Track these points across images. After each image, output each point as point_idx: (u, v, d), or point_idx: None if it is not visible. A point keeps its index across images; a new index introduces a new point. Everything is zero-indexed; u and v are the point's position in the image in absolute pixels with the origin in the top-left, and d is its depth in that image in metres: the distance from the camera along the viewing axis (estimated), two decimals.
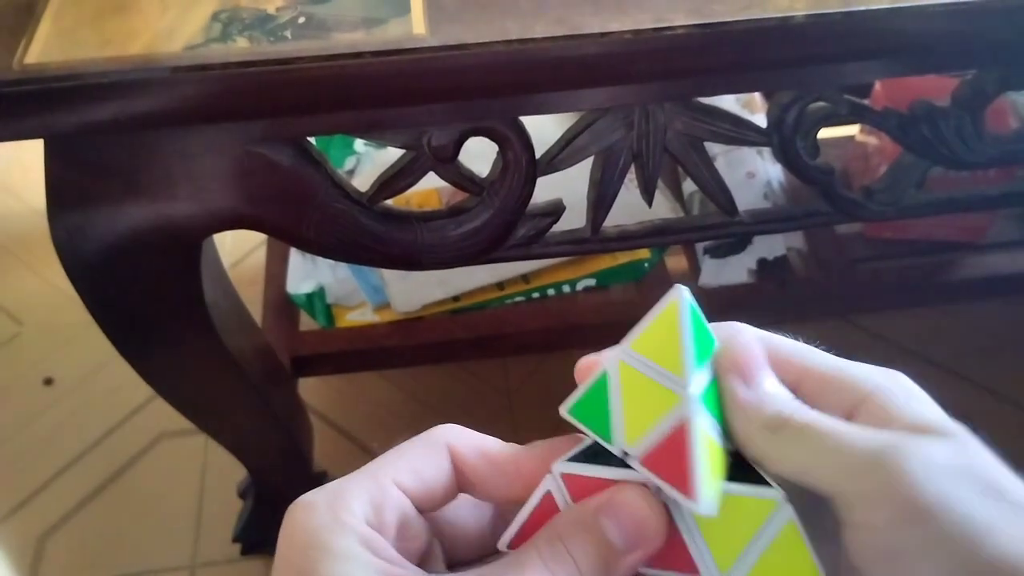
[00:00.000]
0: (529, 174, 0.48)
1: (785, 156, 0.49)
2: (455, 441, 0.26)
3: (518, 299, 0.86)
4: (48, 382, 1.03)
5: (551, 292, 0.87)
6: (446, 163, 0.46)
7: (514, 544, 0.26)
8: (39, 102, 0.40)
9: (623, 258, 0.86)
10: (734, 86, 0.55)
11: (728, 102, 0.90)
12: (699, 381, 0.24)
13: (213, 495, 0.93)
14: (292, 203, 0.47)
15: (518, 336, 0.83)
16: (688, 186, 0.92)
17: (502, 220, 0.49)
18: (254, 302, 0.77)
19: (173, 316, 0.55)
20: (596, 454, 0.25)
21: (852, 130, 0.91)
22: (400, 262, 0.50)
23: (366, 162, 0.93)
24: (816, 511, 0.24)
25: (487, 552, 0.27)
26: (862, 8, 0.42)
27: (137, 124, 0.42)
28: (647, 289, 0.87)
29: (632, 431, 0.24)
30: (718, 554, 0.24)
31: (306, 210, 0.47)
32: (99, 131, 0.42)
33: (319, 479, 0.88)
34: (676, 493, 0.23)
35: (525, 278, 0.86)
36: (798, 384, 0.26)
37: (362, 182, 0.48)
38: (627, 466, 0.25)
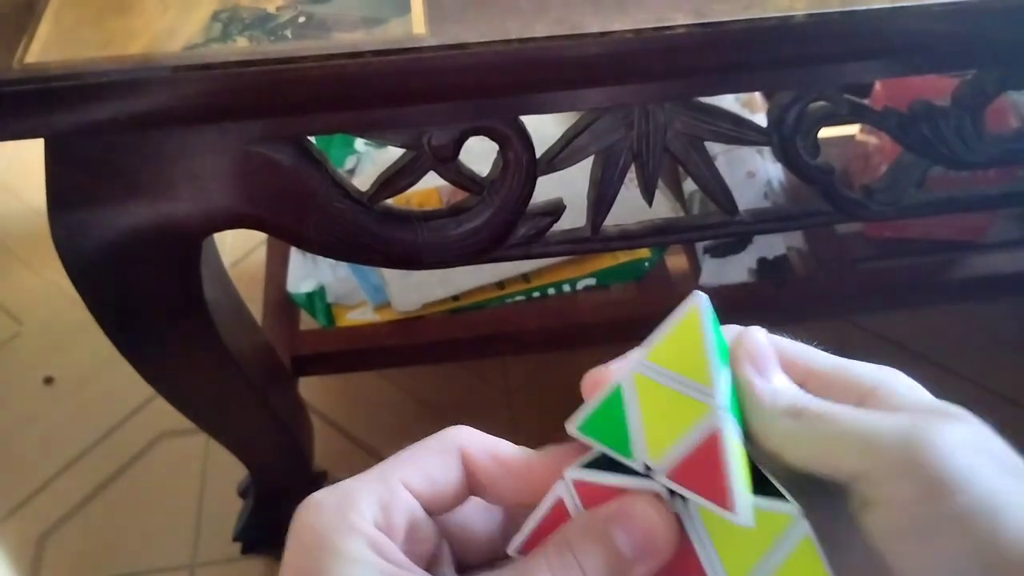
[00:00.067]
0: (529, 173, 0.48)
1: (785, 155, 0.49)
2: (467, 443, 0.26)
3: (518, 298, 0.86)
4: (48, 382, 1.03)
5: (551, 291, 0.87)
6: (446, 162, 0.46)
7: (524, 549, 0.25)
8: (39, 101, 0.40)
9: (623, 257, 0.86)
10: (734, 86, 0.55)
11: (728, 102, 0.90)
12: (725, 388, 0.24)
13: (213, 495, 0.93)
14: (292, 202, 0.47)
15: (518, 336, 0.83)
16: (688, 185, 0.92)
17: (502, 219, 0.49)
18: (254, 301, 0.77)
19: (173, 316, 0.55)
20: (609, 461, 0.25)
21: (852, 130, 0.91)
22: (400, 261, 0.50)
23: (366, 161, 0.93)
24: (827, 510, 0.24)
25: (497, 556, 0.27)
26: (862, 8, 0.42)
27: (137, 123, 0.42)
28: (647, 288, 0.87)
29: (655, 445, 0.24)
30: (730, 567, 0.24)
31: (306, 209, 0.47)
32: (99, 130, 0.42)
33: (319, 479, 0.88)
34: (711, 505, 0.23)
35: (525, 277, 0.86)
36: (803, 382, 0.26)
37: (362, 181, 0.48)
38: (640, 475, 0.24)
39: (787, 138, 0.49)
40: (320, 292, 0.86)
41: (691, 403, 0.23)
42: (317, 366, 0.85)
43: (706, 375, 0.23)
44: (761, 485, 0.24)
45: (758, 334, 0.26)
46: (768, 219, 0.54)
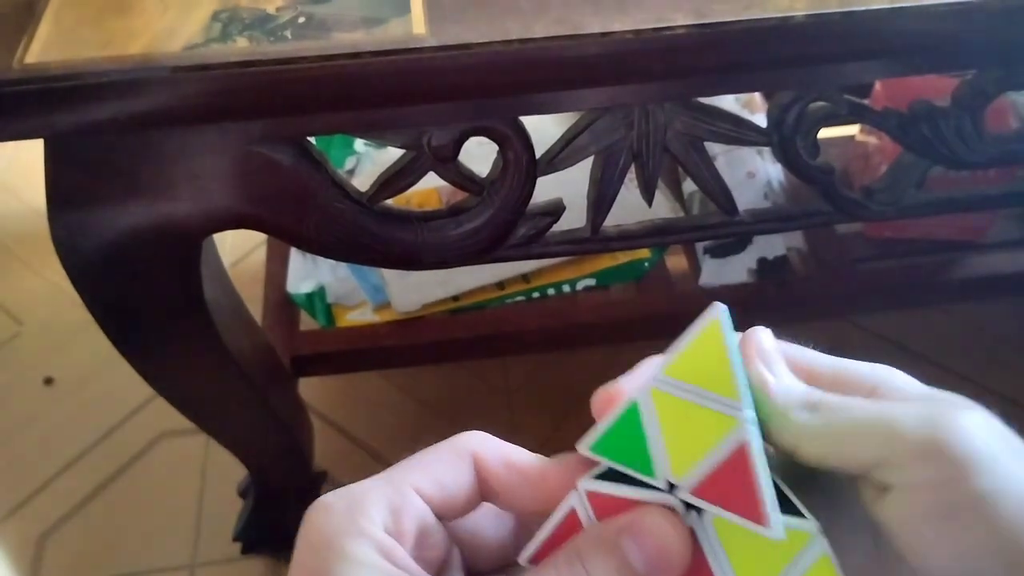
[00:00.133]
0: (529, 174, 0.48)
1: (785, 156, 0.49)
2: (480, 449, 0.26)
3: (518, 299, 0.86)
4: (48, 382, 1.04)
5: (551, 292, 0.87)
6: (446, 163, 0.46)
7: (535, 559, 0.25)
8: (39, 102, 0.40)
9: (623, 258, 0.86)
10: (734, 86, 0.55)
11: (728, 102, 0.90)
12: (750, 400, 0.23)
13: (213, 495, 0.93)
14: (292, 203, 0.47)
15: (518, 336, 0.83)
16: (688, 186, 0.92)
17: (502, 220, 0.49)
18: (254, 302, 0.77)
19: (173, 316, 0.55)
20: (624, 473, 0.24)
21: (852, 130, 0.91)
22: (400, 262, 0.50)
23: (366, 162, 0.94)
24: (826, 511, 0.24)
25: (507, 563, 0.27)
26: (862, 8, 0.42)
27: (137, 124, 0.42)
28: (647, 289, 0.87)
29: (678, 461, 0.23)
30: None
31: (306, 210, 0.47)
32: (99, 131, 0.43)
33: (319, 479, 0.88)
34: (742, 520, 0.22)
35: (525, 278, 0.86)
36: (807, 382, 0.26)
37: (362, 182, 0.48)
38: (654, 487, 0.24)
39: (787, 138, 0.49)
40: (320, 292, 0.86)
41: (715, 416, 0.23)
42: (317, 366, 0.85)
43: (731, 387, 0.23)
44: (780, 502, 0.23)
45: (763, 334, 0.26)
46: (768, 219, 0.54)
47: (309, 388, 0.93)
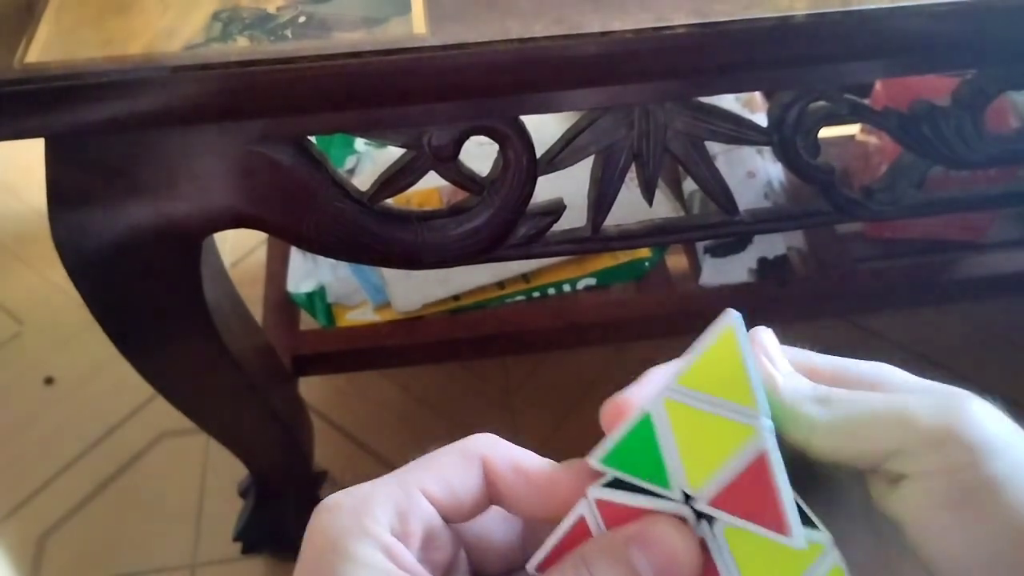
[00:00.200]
0: (529, 173, 0.48)
1: (785, 155, 0.49)
2: (490, 452, 0.25)
3: (518, 298, 0.86)
4: (49, 381, 1.04)
5: (551, 291, 0.87)
6: (446, 162, 0.46)
7: (543, 566, 0.25)
8: (39, 102, 0.40)
9: (623, 257, 0.86)
10: (735, 85, 0.55)
11: (728, 101, 0.90)
12: (767, 408, 0.23)
13: (213, 495, 0.93)
14: (293, 202, 0.47)
15: (518, 335, 0.83)
16: (688, 185, 0.92)
17: (502, 219, 0.49)
18: (254, 302, 0.77)
19: (173, 315, 0.55)
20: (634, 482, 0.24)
21: (852, 129, 0.91)
22: (401, 261, 0.50)
23: (366, 161, 0.93)
24: (825, 508, 0.24)
25: (514, 567, 0.27)
26: (862, 8, 0.42)
27: (137, 124, 0.42)
28: (647, 288, 0.87)
29: (695, 472, 0.23)
30: None
31: (307, 209, 0.47)
32: (99, 130, 0.43)
33: (319, 479, 0.88)
34: (763, 530, 0.22)
35: (525, 277, 0.86)
36: (810, 380, 0.26)
37: (362, 181, 0.48)
38: (664, 496, 0.24)
39: (787, 138, 0.49)
40: (320, 292, 0.86)
41: (732, 426, 0.22)
42: (317, 366, 0.85)
43: (748, 395, 0.22)
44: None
45: (764, 334, 0.26)
46: (768, 219, 0.54)
47: (309, 388, 0.93)
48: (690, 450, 0.23)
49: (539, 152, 0.48)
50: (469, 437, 0.26)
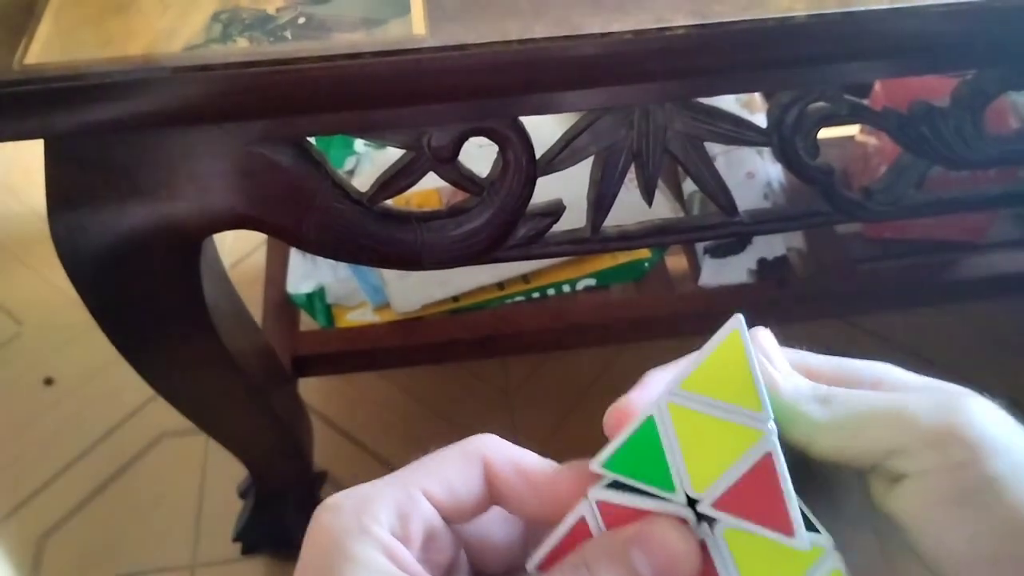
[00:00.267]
0: (529, 174, 0.48)
1: (785, 156, 0.49)
2: (491, 453, 0.25)
3: (518, 299, 0.86)
4: (48, 382, 1.04)
5: (551, 292, 0.87)
6: (446, 163, 0.46)
7: (543, 566, 0.25)
8: (39, 102, 0.40)
9: (623, 258, 0.86)
10: (734, 86, 0.55)
11: (728, 102, 0.90)
12: (771, 411, 0.23)
13: (213, 495, 0.93)
14: (292, 203, 0.47)
15: (518, 336, 0.83)
16: (688, 186, 0.92)
17: (502, 220, 0.49)
18: (254, 302, 0.77)
19: (173, 316, 0.55)
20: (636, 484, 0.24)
21: (852, 130, 0.91)
22: (400, 262, 0.50)
23: (366, 162, 0.93)
24: (827, 510, 0.24)
25: (514, 567, 0.27)
26: (862, 8, 0.42)
27: (137, 124, 0.42)
28: (647, 289, 0.87)
29: (699, 475, 0.23)
30: None
31: (306, 210, 0.47)
32: (99, 131, 0.43)
33: (319, 479, 0.88)
34: (766, 532, 0.22)
35: (525, 278, 0.86)
36: (810, 380, 0.26)
37: (362, 182, 0.48)
38: (664, 498, 0.24)
39: (787, 139, 0.49)
40: (320, 293, 0.86)
41: (737, 429, 0.22)
42: (317, 367, 0.85)
43: (754, 399, 0.22)
44: None
45: (762, 334, 0.26)
46: (768, 220, 0.54)
47: (309, 388, 0.93)
48: (694, 453, 0.23)
49: (539, 153, 0.48)
50: (470, 437, 0.26)
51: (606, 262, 0.86)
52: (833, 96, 0.48)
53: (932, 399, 0.23)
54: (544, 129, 0.51)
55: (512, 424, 0.97)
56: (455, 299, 0.85)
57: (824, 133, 0.49)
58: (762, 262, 0.87)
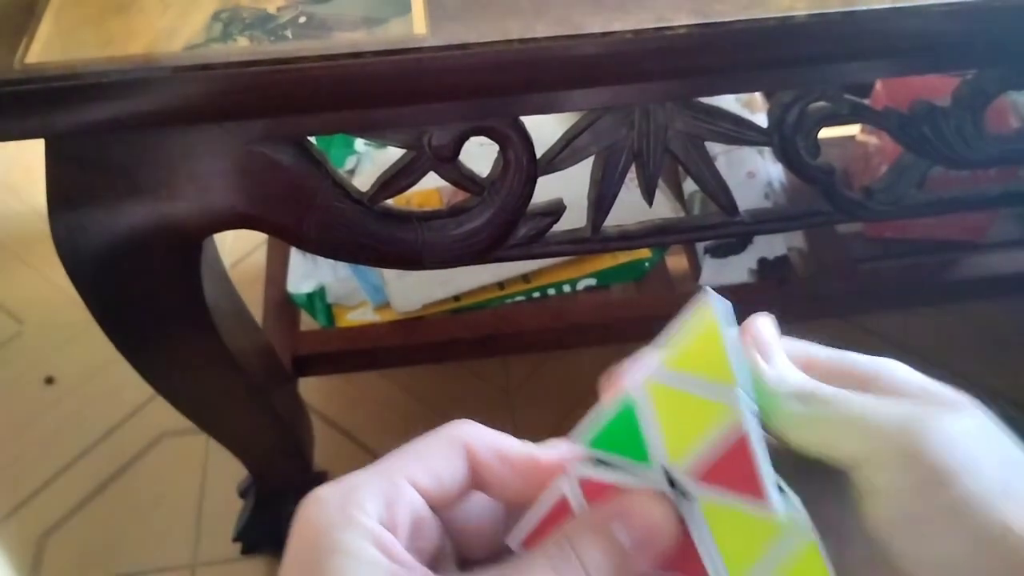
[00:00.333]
0: (530, 174, 0.48)
1: (786, 156, 0.49)
2: (472, 439, 0.26)
3: (518, 299, 0.86)
4: (49, 381, 1.03)
5: (551, 292, 0.87)
6: (446, 163, 0.46)
7: (525, 543, 0.25)
8: (40, 102, 0.40)
9: (623, 258, 0.86)
10: (735, 86, 0.55)
11: (729, 102, 0.90)
12: (748, 384, 0.23)
13: (213, 495, 0.93)
14: (293, 203, 0.47)
15: (518, 336, 0.83)
16: (688, 186, 0.92)
17: (503, 220, 0.49)
18: (254, 302, 0.77)
19: (173, 316, 0.55)
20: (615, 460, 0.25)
21: (853, 130, 0.91)
22: (401, 262, 0.50)
23: (366, 162, 0.93)
24: (824, 485, 0.24)
25: (498, 550, 0.27)
26: (863, 8, 0.42)
27: (138, 124, 0.42)
28: (647, 289, 0.87)
29: (676, 451, 0.24)
30: (731, 564, 0.24)
31: (307, 210, 0.47)
32: (100, 131, 0.42)
33: (319, 479, 0.88)
34: (742, 501, 0.23)
35: (526, 278, 0.86)
36: (806, 371, 0.26)
37: (362, 182, 0.48)
38: (643, 473, 0.24)
39: (787, 138, 0.49)
40: (320, 292, 0.86)
41: (712, 405, 0.23)
42: (317, 366, 0.85)
43: (727, 373, 0.23)
44: None
45: (761, 321, 0.27)
46: (768, 219, 0.54)
47: (309, 388, 0.93)
48: (671, 429, 0.24)
49: (539, 152, 0.48)
50: (450, 424, 0.26)
51: (606, 262, 0.86)
52: (834, 96, 0.48)
53: (904, 414, 0.23)
54: (545, 128, 0.51)
55: (513, 423, 0.97)
56: (456, 298, 0.85)
57: (825, 133, 0.49)
58: (763, 262, 0.87)
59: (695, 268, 0.89)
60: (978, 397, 0.24)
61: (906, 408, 0.23)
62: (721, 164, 0.88)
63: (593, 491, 0.25)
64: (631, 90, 0.46)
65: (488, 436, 0.26)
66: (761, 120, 0.49)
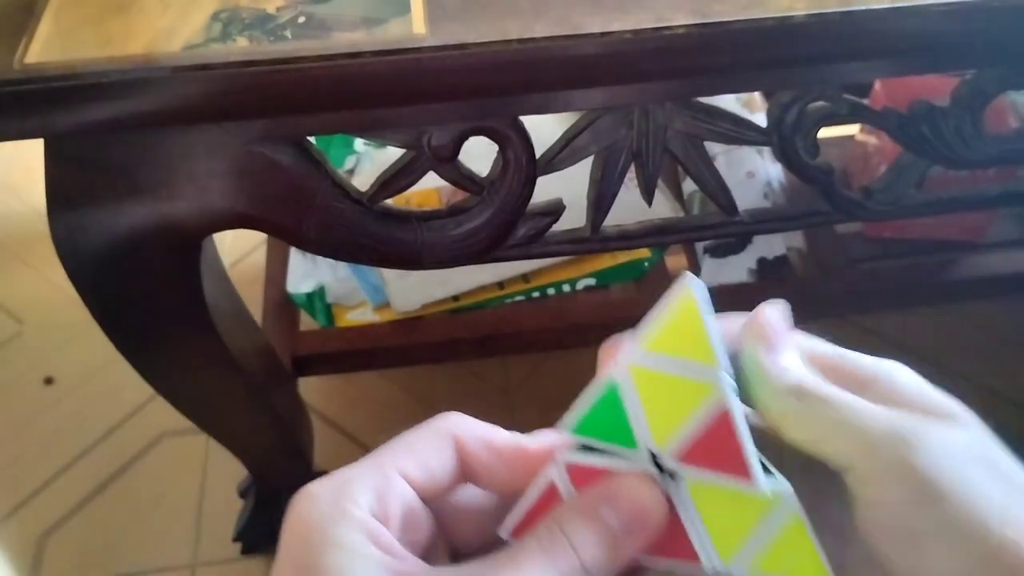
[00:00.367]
0: (529, 174, 0.48)
1: (785, 155, 0.49)
2: (460, 430, 0.26)
3: (518, 298, 0.86)
4: (49, 381, 1.04)
5: (551, 291, 0.87)
6: (446, 163, 0.46)
7: (516, 532, 0.26)
8: (40, 101, 0.40)
9: (623, 257, 0.86)
10: (734, 85, 0.55)
11: (728, 101, 0.90)
12: (727, 364, 0.24)
13: (213, 495, 0.93)
14: (292, 202, 0.47)
15: (518, 335, 0.83)
16: (688, 186, 0.92)
17: (502, 220, 0.49)
18: (254, 302, 0.77)
19: (173, 316, 0.55)
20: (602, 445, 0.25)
21: (852, 130, 0.91)
22: (400, 261, 0.50)
23: (366, 161, 0.93)
24: (826, 482, 0.24)
25: (489, 540, 0.27)
26: (862, 8, 0.42)
27: (137, 124, 0.42)
28: (647, 288, 0.87)
29: (660, 432, 0.24)
30: (720, 544, 0.24)
31: (306, 209, 0.47)
32: (99, 130, 0.43)
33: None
34: (729, 480, 0.23)
35: (525, 277, 0.86)
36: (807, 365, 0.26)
37: (362, 181, 0.48)
38: (632, 457, 0.24)
39: (787, 138, 0.49)
40: (320, 292, 0.86)
41: (694, 385, 0.23)
42: (317, 366, 0.85)
43: (708, 353, 0.23)
44: None
45: (770, 310, 0.27)
46: (768, 219, 0.54)
47: (309, 388, 0.93)
48: (655, 411, 0.24)
49: (539, 152, 0.48)
50: (439, 416, 0.26)
51: (606, 262, 0.86)
52: (833, 95, 0.48)
53: (897, 425, 0.23)
54: (544, 128, 0.51)
55: (512, 423, 0.96)
56: (455, 298, 0.85)
57: (824, 132, 0.49)
58: (762, 261, 0.87)
59: (695, 268, 0.89)
60: (978, 397, 0.24)
61: (897, 419, 0.23)
62: (720, 164, 0.88)
63: (581, 477, 0.25)
64: (630, 90, 0.46)
65: (477, 427, 0.26)
66: (760, 120, 0.49)
